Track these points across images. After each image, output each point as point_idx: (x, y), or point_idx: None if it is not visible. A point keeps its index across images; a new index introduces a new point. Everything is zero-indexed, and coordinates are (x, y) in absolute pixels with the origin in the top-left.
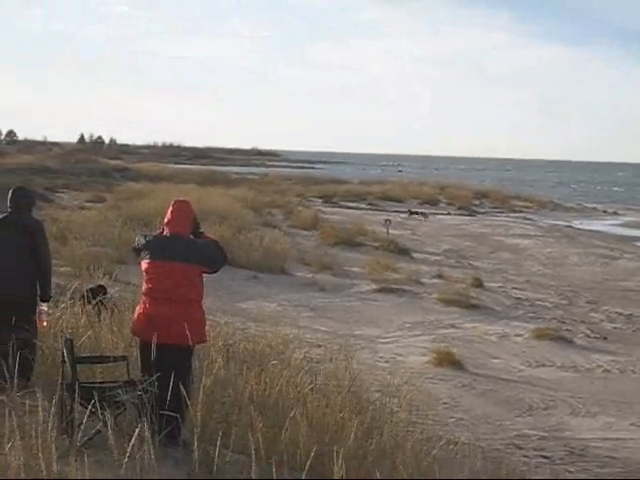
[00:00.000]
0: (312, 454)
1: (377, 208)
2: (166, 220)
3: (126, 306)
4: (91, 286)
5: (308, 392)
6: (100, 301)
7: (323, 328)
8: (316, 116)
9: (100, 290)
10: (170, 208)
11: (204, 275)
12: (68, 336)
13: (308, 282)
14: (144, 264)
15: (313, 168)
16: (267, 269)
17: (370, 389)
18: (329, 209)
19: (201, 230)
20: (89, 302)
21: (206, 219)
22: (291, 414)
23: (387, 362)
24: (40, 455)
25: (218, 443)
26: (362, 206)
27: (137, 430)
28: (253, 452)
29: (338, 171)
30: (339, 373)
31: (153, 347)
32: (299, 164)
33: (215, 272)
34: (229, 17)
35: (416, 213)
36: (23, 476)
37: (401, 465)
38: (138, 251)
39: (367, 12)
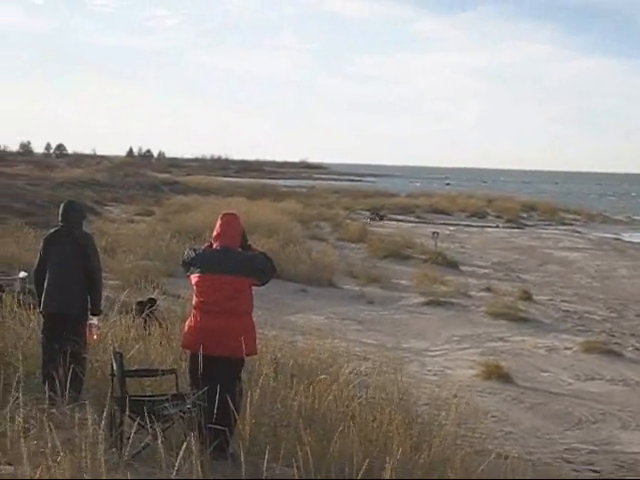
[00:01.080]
0: (363, 467)
1: (425, 221)
2: (215, 233)
3: (174, 319)
4: (141, 299)
5: (357, 406)
6: (150, 313)
7: (371, 341)
8: (364, 129)
9: (150, 303)
10: (219, 221)
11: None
12: (118, 349)
13: (356, 295)
14: (194, 278)
15: (361, 181)
16: (315, 282)
17: (418, 402)
18: (376, 222)
19: (249, 242)
20: (139, 315)
21: (254, 232)
22: (340, 428)
23: (435, 375)
24: (89, 468)
25: (266, 457)
26: (410, 219)
27: (185, 444)
28: (302, 465)
29: (386, 184)
30: (388, 386)
31: (200, 359)
32: (347, 177)
33: (264, 284)
34: (277, 30)
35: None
36: None
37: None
38: (187, 265)
39: (414, 25)
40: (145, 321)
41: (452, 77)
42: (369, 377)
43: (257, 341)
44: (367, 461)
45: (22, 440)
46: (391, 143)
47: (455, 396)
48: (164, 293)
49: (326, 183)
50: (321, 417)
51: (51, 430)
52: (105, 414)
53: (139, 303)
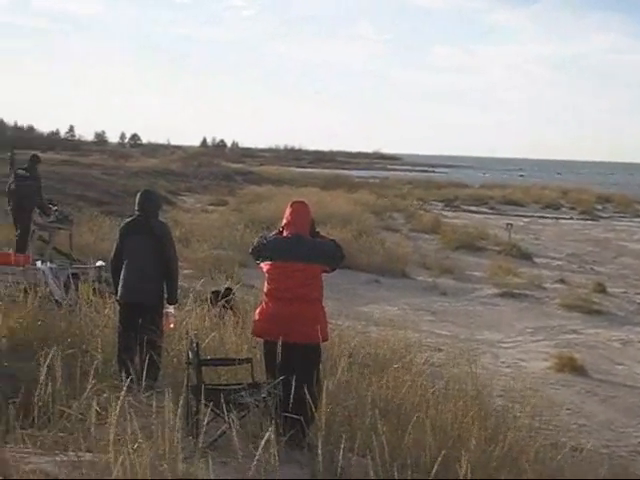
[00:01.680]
0: (439, 458)
1: (498, 212)
2: (285, 221)
3: (248, 308)
4: (216, 288)
5: (431, 397)
6: (226, 302)
7: (444, 332)
8: (437, 120)
9: (226, 292)
10: (289, 209)
11: (323, 276)
12: (194, 338)
13: (429, 286)
14: (266, 266)
15: (434, 172)
16: (388, 273)
17: (492, 394)
18: (450, 213)
19: (317, 230)
20: (214, 304)
21: (328, 222)
22: (415, 418)
23: (509, 367)
24: (167, 456)
25: (342, 446)
26: (483, 210)
27: (263, 433)
28: (377, 455)
29: (459, 175)
30: (461, 378)
31: (279, 347)
32: (420, 168)
33: (334, 270)
34: (354, 20)
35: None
36: (149, 476)
37: (529, 471)
38: (258, 253)
39: (487, 16)
40: (220, 310)
41: (524, 68)
42: (442, 368)
43: (330, 331)
44: (443, 452)
45: (100, 427)
46: (464, 134)
47: (529, 388)
48: (238, 283)
49: (399, 174)
50: (395, 408)
51: (131, 417)
52: (181, 403)
53: (214, 292)
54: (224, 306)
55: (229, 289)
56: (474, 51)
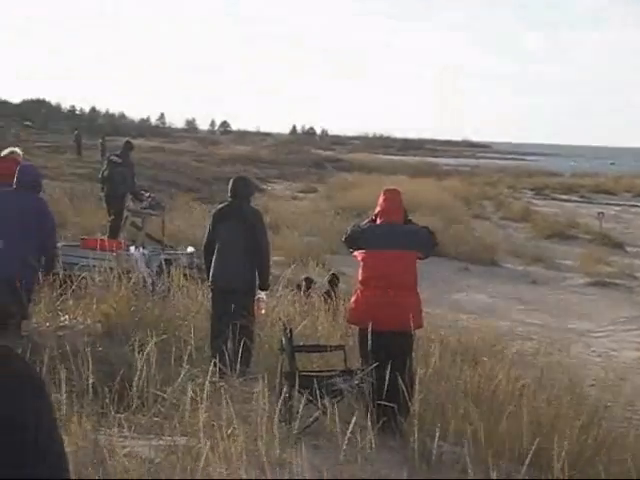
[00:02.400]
0: (533, 447)
1: (589, 201)
2: (379, 209)
3: (340, 295)
4: (307, 276)
5: (523, 386)
6: (331, 289)
7: (535, 321)
8: (528, 108)
9: (307, 282)
10: (382, 197)
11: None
12: (287, 325)
13: (519, 274)
14: (361, 254)
15: (524, 160)
16: (478, 261)
17: (584, 383)
18: (540, 201)
19: (409, 218)
20: (305, 291)
21: (417, 210)
22: (509, 407)
23: (600, 356)
24: (262, 441)
25: (437, 434)
26: (574, 199)
27: (356, 419)
28: (471, 443)
29: (549, 163)
30: (553, 367)
31: (369, 335)
32: (510, 156)
33: (427, 257)
34: (442, 8)
35: None
36: (243, 461)
37: (629, 461)
38: (352, 241)
39: (581, 3)
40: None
41: (621, 55)
42: (534, 357)
43: (423, 317)
44: (537, 441)
45: (194, 412)
46: (555, 122)
47: (621, 378)
48: (328, 269)
49: (489, 162)
50: (488, 396)
51: (227, 403)
52: (276, 389)
53: (306, 279)
54: (328, 293)
55: (335, 275)
56: (567, 38)
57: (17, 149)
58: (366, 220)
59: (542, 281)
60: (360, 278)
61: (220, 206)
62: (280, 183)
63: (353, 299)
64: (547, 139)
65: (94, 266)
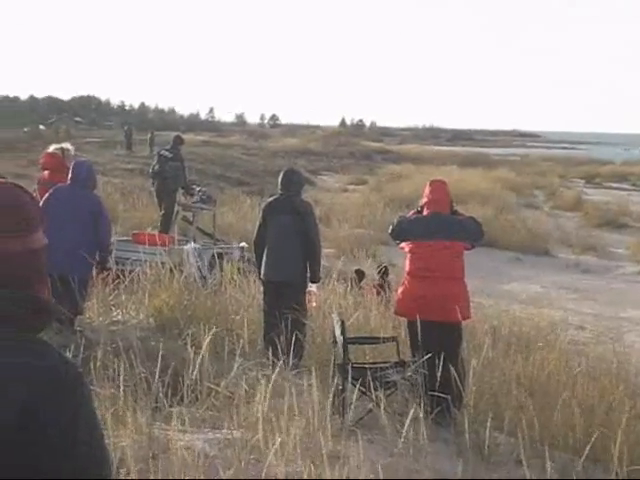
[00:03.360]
0: (593, 439)
1: None
2: (425, 200)
3: (391, 287)
4: (358, 267)
5: (577, 375)
6: (383, 281)
7: (588, 310)
8: (578, 96)
9: (358, 275)
10: (428, 188)
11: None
12: (339, 317)
13: (571, 264)
14: (408, 244)
15: (575, 149)
16: (530, 250)
17: (638, 372)
18: (591, 190)
19: (455, 208)
20: (357, 283)
21: (467, 201)
22: (562, 397)
23: None
24: (319, 433)
25: (489, 424)
26: (625, 187)
27: (409, 411)
28: (526, 433)
29: (600, 152)
30: (606, 356)
31: (418, 325)
32: (560, 145)
33: (473, 248)
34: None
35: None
36: (299, 453)
37: None
38: (398, 233)
39: None
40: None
41: None
42: (587, 346)
43: (473, 309)
44: (592, 430)
45: (248, 405)
46: (606, 110)
47: None
48: (379, 262)
49: (539, 151)
50: (542, 386)
51: (281, 396)
52: (330, 381)
53: (357, 271)
54: (380, 285)
55: (385, 267)
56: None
57: (68, 145)
58: (412, 211)
59: (594, 270)
60: (407, 269)
61: (270, 199)
62: (330, 175)
63: (400, 290)
64: (598, 128)
65: (146, 261)
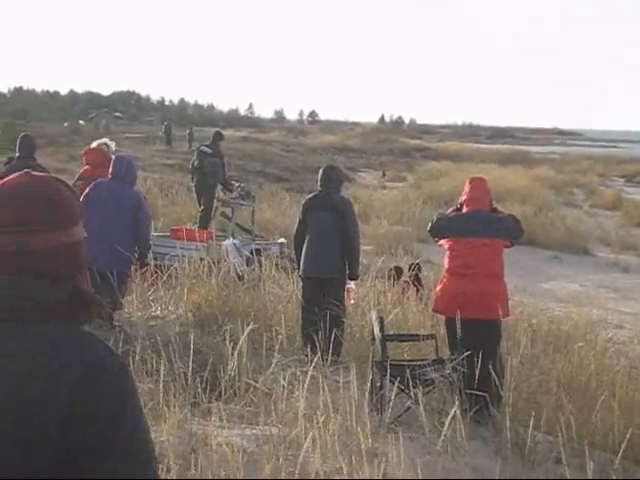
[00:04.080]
0: (627, 438)
1: None
2: (465, 197)
3: (429, 285)
4: (396, 264)
5: (616, 374)
6: (416, 278)
7: (627, 309)
8: (620, 94)
9: (396, 271)
10: (468, 186)
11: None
12: (378, 314)
13: (610, 263)
14: (448, 242)
15: (615, 147)
16: (569, 249)
17: None
18: (632, 189)
19: (494, 206)
20: (396, 280)
21: (507, 199)
22: (602, 397)
23: None
24: (358, 430)
25: (531, 423)
26: None
27: (448, 408)
28: (564, 433)
29: None
30: None
31: (458, 324)
32: (601, 143)
33: (512, 245)
34: None
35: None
36: (337, 450)
37: None
38: (438, 230)
39: None
40: (403, 288)
41: None
42: (626, 346)
43: (512, 307)
44: (630, 431)
45: (287, 401)
46: None
47: None
48: (417, 258)
49: (579, 149)
50: (581, 386)
51: (320, 392)
52: (370, 378)
53: (396, 268)
54: (413, 281)
55: (418, 264)
56: None
57: (108, 140)
58: (451, 208)
59: (634, 269)
60: (446, 266)
61: (310, 196)
62: (369, 172)
63: (439, 287)
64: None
65: (184, 256)
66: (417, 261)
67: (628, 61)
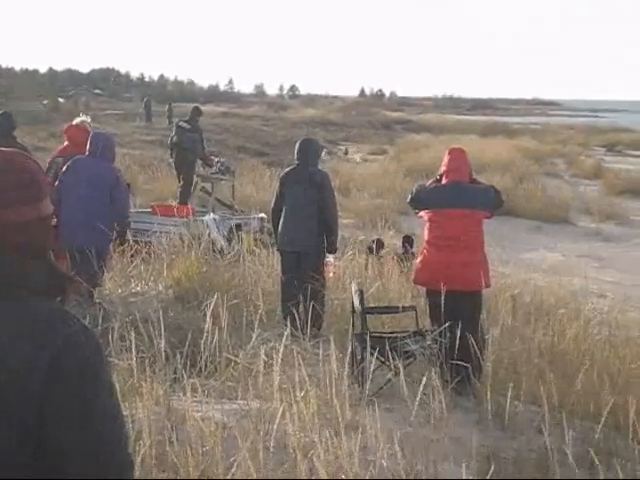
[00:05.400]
0: (608, 406)
1: None
2: (444, 169)
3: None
4: (377, 237)
5: (598, 343)
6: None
7: (609, 278)
8: (600, 63)
9: (378, 244)
10: (447, 157)
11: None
12: (358, 287)
13: (592, 232)
14: (427, 213)
15: (596, 117)
16: (550, 219)
17: None
18: (612, 158)
19: (473, 177)
20: (376, 253)
21: (487, 169)
22: (583, 366)
23: None
24: (336, 403)
25: (511, 393)
26: None
27: (429, 380)
28: (546, 402)
29: (621, 119)
30: (627, 324)
31: (442, 295)
32: (581, 113)
33: (492, 216)
34: None
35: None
36: (316, 423)
37: None
38: (417, 202)
39: None
40: (379, 259)
41: None
42: (608, 315)
43: (493, 278)
44: (612, 399)
45: (267, 376)
46: (631, 77)
47: None
48: (398, 231)
49: (560, 119)
50: (561, 354)
51: (300, 365)
52: (349, 351)
53: (377, 241)
54: (404, 254)
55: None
56: None
57: (86, 117)
58: (431, 180)
59: (615, 238)
60: (426, 238)
61: (287, 169)
62: (350, 145)
63: (419, 259)
64: (620, 95)
65: (164, 232)
66: (409, 234)
67: (628, 61)
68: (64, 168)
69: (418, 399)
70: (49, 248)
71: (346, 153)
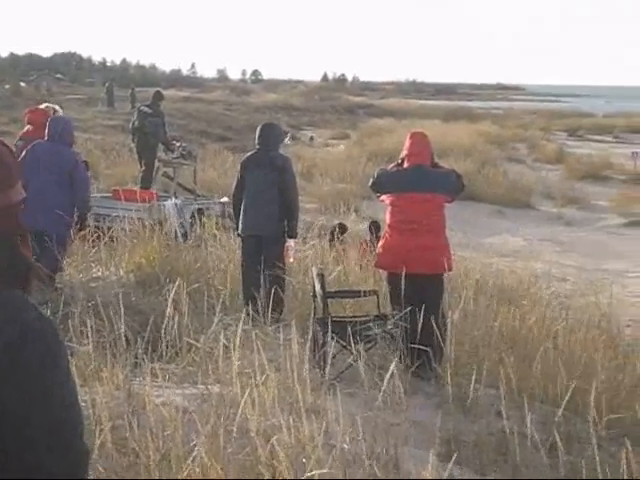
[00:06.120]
0: (570, 389)
1: (623, 141)
2: (406, 152)
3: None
4: (340, 222)
5: (559, 327)
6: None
7: (570, 262)
8: (562, 48)
9: (341, 229)
10: (409, 141)
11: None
12: (319, 271)
13: (553, 216)
14: (389, 197)
15: (558, 102)
16: (512, 203)
17: (620, 324)
18: (574, 142)
19: (435, 161)
20: (339, 238)
21: (450, 154)
22: (542, 349)
23: (637, 297)
24: (297, 387)
25: (473, 378)
26: (608, 139)
27: (390, 364)
28: (504, 386)
29: (583, 104)
30: (589, 308)
31: (402, 279)
32: (544, 98)
33: (453, 200)
34: None
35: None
36: (277, 407)
37: None
38: (378, 186)
39: None
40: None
41: None
42: (569, 299)
43: (454, 262)
44: (572, 382)
45: (228, 360)
46: (591, 62)
47: None
48: (360, 216)
49: (523, 104)
50: (523, 339)
51: (259, 350)
52: (310, 335)
53: (340, 225)
54: (372, 240)
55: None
56: None
57: (55, 106)
58: (393, 164)
59: (577, 222)
60: (388, 222)
61: (248, 154)
62: (313, 130)
63: (381, 243)
64: (583, 81)
65: (126, 217)
66: (375, 220)
67: (628, 61)
68: (23, 153)
69: (381, 384)
70: (16, 234)
71: (312, 139)
